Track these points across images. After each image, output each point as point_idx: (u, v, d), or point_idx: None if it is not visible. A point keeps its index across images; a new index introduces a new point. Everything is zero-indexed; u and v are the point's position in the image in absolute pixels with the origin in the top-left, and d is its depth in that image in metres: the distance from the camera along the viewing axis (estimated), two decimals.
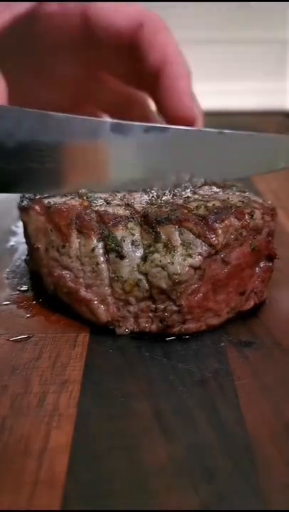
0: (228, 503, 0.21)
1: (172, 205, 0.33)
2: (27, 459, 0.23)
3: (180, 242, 0.30)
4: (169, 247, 0.30)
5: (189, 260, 0.30)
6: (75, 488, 0.21)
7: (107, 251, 0.31)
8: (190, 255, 0.30)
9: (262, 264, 0.34)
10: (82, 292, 0.32)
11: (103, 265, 0.31)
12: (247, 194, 0.36)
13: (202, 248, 0.30)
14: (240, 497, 0.21)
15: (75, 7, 0.41)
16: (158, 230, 0.31)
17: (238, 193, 0.36)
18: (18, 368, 0.29)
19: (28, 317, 0.34)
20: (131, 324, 0.32)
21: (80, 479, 0.22)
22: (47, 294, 0.35)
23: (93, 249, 0.31)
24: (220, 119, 0.65)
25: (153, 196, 0.36)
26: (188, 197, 0.35)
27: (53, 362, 0.29)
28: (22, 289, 0.37)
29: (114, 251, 0.31)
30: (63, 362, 0.29)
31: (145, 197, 0.35)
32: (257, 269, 0.34)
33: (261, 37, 1.30)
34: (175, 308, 0.31)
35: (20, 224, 0.48)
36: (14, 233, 0.47)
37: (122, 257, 0.31)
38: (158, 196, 0.36)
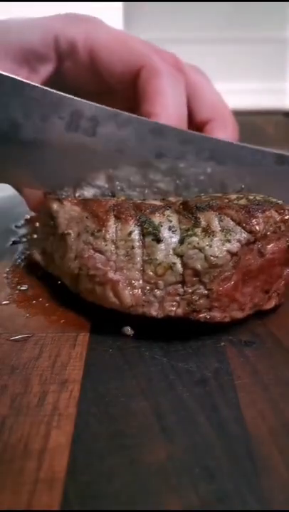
0: (228, 503, 0.21)
1: (212, 196, 0.34)
2: (27, 459, 0.23)
3: (219, 228, 0.31)
4: (208, 232, 0.31)
5: (227, 245, 0.30)
6: (75, 488, 0.21)
7: (143, 235, 0.31)
8: (228, 241, 0.30)
9: None
10: (110, 274, 0.31)
11: (138, 249, 0.31)
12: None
13: (241, 235, 0.31)
14: (240, 497, 0.21)
15: (83, 51, 0.39)
16: (198, 215, 0.31)
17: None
18: (18, 368, 0.29)
19: (27, 316, 0.34)
20: (155, 310, 0.31)
21: (80, 479, 0.22)
22: (47, 293, 0.35)
23: (130, 234, 0.31)
24: None
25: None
26: (225, 193, 0.36)
27: (53, 361, 0.29)
28: (22, 288, 0.37)
29: (151, 234, 0.31)
30: (63, 361, 0.29)
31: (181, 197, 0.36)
32: (286, 271, 0.34)
33: (261, 37, 1.30)
34: (205, 292, 0.30)
35: (20, 223, 0.48)
36: (14, 233, 0.47)
37: (158, 240, 0.31)
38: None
